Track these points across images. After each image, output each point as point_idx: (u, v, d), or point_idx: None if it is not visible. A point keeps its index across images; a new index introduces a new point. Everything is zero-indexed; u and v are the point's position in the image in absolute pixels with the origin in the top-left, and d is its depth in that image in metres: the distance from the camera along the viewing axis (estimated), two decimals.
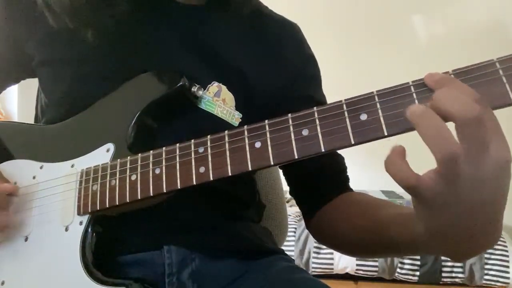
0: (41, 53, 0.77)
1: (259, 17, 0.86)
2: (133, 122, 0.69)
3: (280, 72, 0.82)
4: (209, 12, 0.81)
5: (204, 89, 0.73)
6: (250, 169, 0.54)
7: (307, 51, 0.90)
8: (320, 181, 0.82)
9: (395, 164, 0.43)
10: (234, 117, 0.75)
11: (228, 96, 0.75)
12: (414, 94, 0.47)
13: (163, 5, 0.78)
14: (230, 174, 0.55)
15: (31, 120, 0.89)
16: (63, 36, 0.74)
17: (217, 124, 0.74)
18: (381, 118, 0.48)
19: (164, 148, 0.62)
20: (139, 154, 0.64)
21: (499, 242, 2.53)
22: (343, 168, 0.83)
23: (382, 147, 0.49)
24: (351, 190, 0.82)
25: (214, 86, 0.75)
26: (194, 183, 0.58)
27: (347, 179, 0.83)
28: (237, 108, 0.76)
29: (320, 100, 0.87)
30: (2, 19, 0.79)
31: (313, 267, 2.53)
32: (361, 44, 3.37)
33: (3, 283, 0.70)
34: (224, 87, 0.75)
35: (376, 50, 3.33)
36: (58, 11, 0.72)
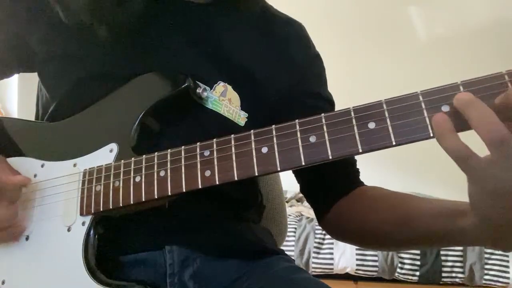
0: (47, 48, 0.76)
1: (265, 17, 0.86)
2: (137, 122, 0.68)
3: (288, 71, 0.83)
4: (216, 11, 0.80)
5: (211, 89, 0.73)
6: (256, 174, 0.54)
7: (313, 50, 0.90)
8: (334, 175, 0.81)
9: (446, 137, 0.46)
10: (239, 116, 0.75)
11: (233, 95, 0.75)
12: (423, 104, 0.47)
13: (171, 3, 0.78)
14: (236, 178, 0.55)
15: (31, 119, 0.88)
16: (71, 32, 0.74)
17: (223, 124, 0.74)
18: (390, 127, 0.48)
19: (169, 150, 0.61)
20: (144, 156, 0.63)
21: None
22: (354, 161, 0.83)
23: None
24: (363, 183, 0.82)
25: (220, 86, 0.75)
26: (200, 186, 0.58)
27: (358, 172, 0.83)
28: (243, 107, 0.76)
29: (328, 98, 0.87)
30: (8, 12, 0.79)
31: (313, 267, 2.53)
32: (362, 44, 3.37)
33: (3, 282, 0.70)
34: (229, 87, 0.75)
35: (377, 49, 3.33)
36: (73, 7, 0.71)
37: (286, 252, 0.86)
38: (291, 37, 0.87)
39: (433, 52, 3.26)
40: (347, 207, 0.79)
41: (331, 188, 0.81)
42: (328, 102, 0.87)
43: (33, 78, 0.84)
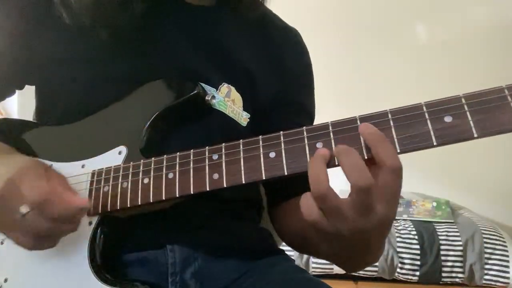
0: (53, 52, 0.76)
1: (264, 21, 0.88)
2: (147, 126, 0.69)
3: (279, 77, 0.85)
4: (219, 13, 0.82)
5: (217, 90, 0.75)
6: (264, 178, 0.55)
7: (305, 59, 0.92)
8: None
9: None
10: (242, 117, 0.77)
11: (236, 96, 0.77)
12: (426, 114, 0.48)
13: (174, 6, 0.79)
14: (243, 182, 0.56)
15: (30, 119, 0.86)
16: (76, 35, 0.74)
17: (228, 124, 0.76)
18: (394, 136, 0.49)
19: (178, 153, 0.62)
20: (153, 158, 0.64)
21: (499, 242, 2.53)
22: None
23: None
24: None
25: (225, 87, 0.76)
26: (208, 189, 0.58)
27: None
28: (244, 108, 0.78)
29: (309, 109, 0.90)
30: (12, 17, 0.78)
31: (313, 267, 2.52)
32: (363, 45, 3.37)
33: (5, 280, 0.70)
34: (233, 88, 0.77)
35: (379, 51, 3.33)
36: (77, 9, 0.72)
37: (286, 252, 0.87)
38: (286, 44, 0.89)
39: (434, 55, 3.25)
40: (288, 209, 0.83)
41: (283, 187, 0.82)
42: (308, 116, 0.89)
43: None
